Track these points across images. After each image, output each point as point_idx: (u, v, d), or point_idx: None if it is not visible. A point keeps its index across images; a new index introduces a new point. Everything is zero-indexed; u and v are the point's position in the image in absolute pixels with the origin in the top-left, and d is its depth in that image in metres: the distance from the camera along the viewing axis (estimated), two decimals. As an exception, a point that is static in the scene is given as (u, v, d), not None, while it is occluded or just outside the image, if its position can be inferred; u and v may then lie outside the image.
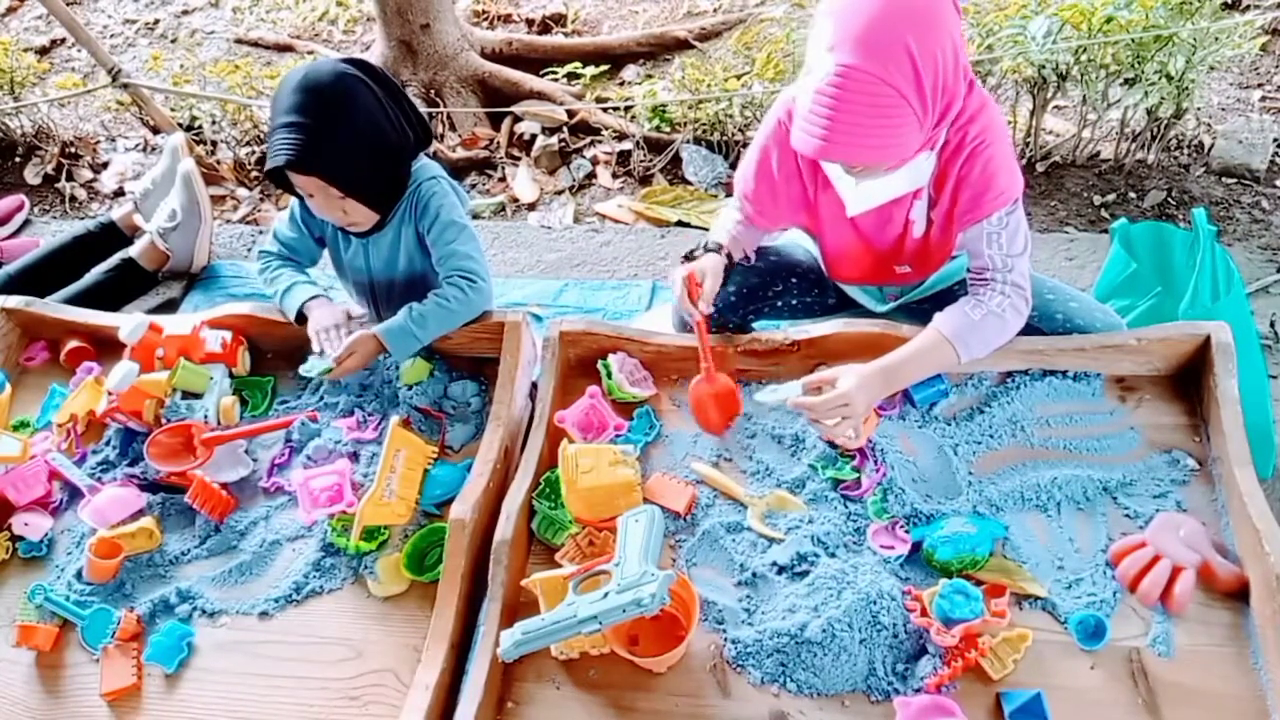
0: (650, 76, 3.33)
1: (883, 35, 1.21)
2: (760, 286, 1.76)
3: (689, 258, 1.63)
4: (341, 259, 1.88)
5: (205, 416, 1.70)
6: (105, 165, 3.21)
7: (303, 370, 1.68)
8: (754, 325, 1.78)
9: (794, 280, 1.78)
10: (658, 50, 3.43)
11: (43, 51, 3.85)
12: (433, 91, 3.20)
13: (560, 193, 2.92)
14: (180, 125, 3.15)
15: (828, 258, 1.72)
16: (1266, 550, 1.27)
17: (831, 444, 1.54)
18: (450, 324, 1.72)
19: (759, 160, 1.60)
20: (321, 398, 1.76)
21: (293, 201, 1.81)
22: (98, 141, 3.31)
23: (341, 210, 1.65)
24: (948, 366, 1.50)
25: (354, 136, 1.57)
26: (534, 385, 1.72)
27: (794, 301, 1.80)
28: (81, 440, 1.75)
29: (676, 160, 2.92)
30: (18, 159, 3.26)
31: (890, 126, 1.26)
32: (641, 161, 2.94)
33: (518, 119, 3.15)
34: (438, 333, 1.71)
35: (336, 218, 1.69)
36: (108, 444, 1.72)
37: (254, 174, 3.09)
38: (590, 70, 3.17)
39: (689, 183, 2.86)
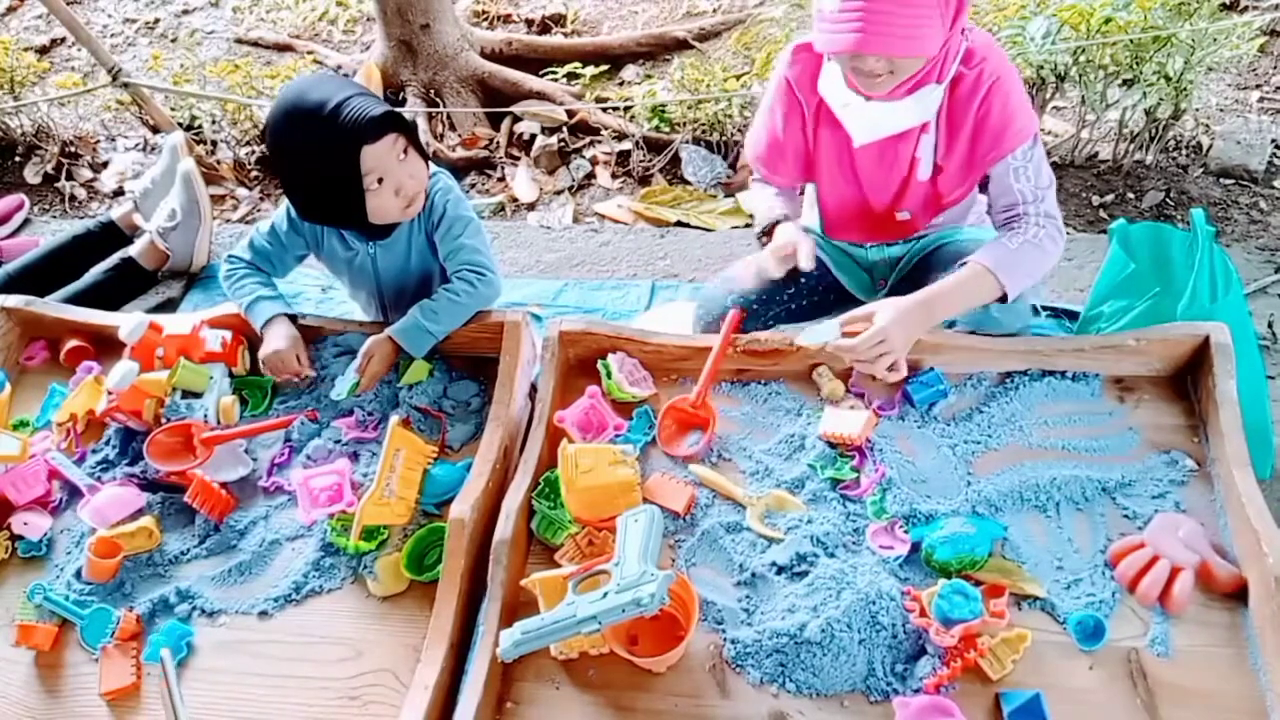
0: (650, 77, 3.33)
1: None
2: (777, 289, 1.79)
3: (766, 234, 1.69)
4: (351, 266, 1.84)
5: (205, 416, 1.70)
6: (105, 165, 3.21)
7: (334, 395, 1.71)
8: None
9: (802, 279, 1.79)
10: (657, 50, 3.43)
11: (43, 51, 3.85)
12: (433, 91, 3.20)
13: (560, 193, 2.92)
14: (180, 125, 3.15)
15: (826, 209, 1.74)
16: (1265, 551, 1.27)
17: (831, 444, 1.54)
18: (461, 317, 1.73)
19: (767, 120, 1.66)
20: (320, 398, 1.76)
21: (286, 209, 1.80)
22: (98, 141, 3.31)
23: (409, 175, 1.61)
24: (990, 297, 1.50)
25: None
26: (534, 385, 1.73)
27: (804, 302, 1.83)
28: (81, 440, 1.75)
29: (676, 160, 2.92)
30: (18, 158, 3.26)
31: (919, 14, 1.31)
32: (641, 162, 2.94)
33: (517, 119, 3.15)
34: (450, 327, 1.72)
35: (401, 189, 1.61)
36: (107, 443, 1.72)
37: (254, 174, 3.09)
38: (590, 70, 3.17)
39: (688, 183, 2.86)
